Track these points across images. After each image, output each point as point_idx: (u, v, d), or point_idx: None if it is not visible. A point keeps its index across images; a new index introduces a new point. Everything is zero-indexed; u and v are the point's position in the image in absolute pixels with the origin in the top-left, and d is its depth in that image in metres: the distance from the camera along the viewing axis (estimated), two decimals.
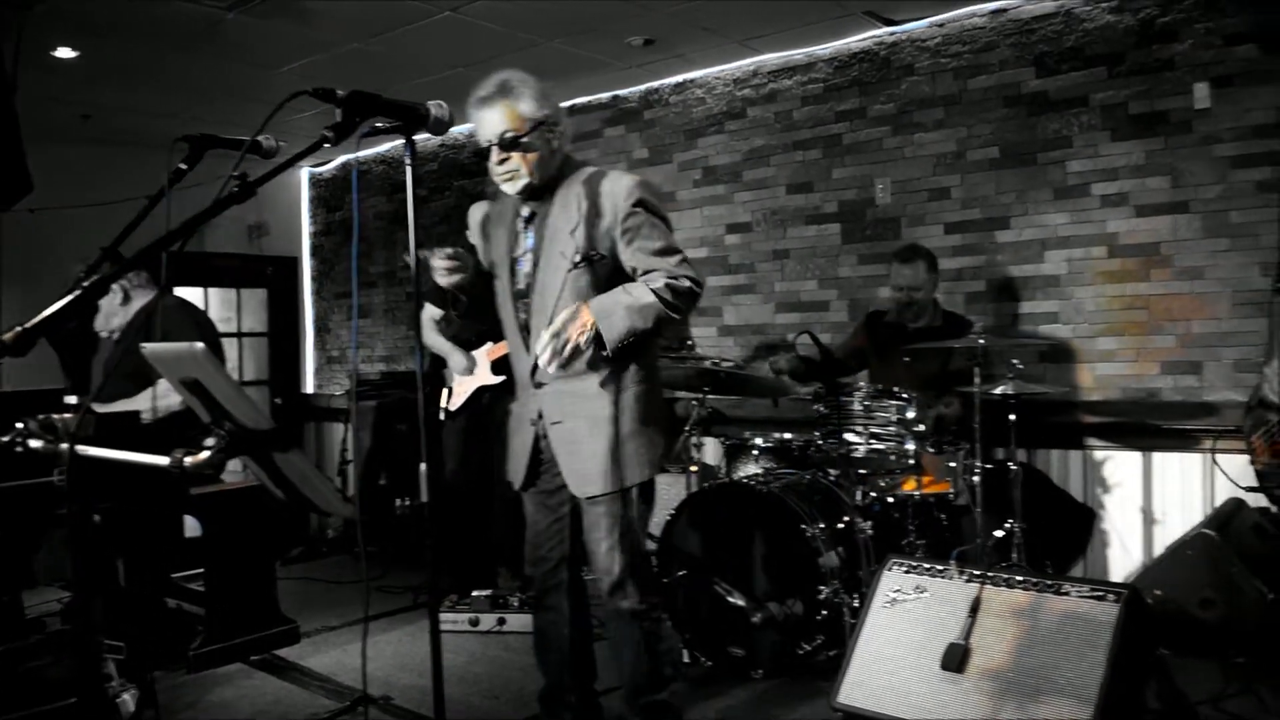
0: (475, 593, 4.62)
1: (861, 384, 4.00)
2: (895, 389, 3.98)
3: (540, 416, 2.89)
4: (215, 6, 4.65)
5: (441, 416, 4.90)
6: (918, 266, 4.56)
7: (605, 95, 6.39)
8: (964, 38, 5.15)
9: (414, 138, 2.04)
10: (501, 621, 4.44)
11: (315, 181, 8.23)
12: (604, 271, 2.79)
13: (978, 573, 3.06)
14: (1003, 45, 5.03)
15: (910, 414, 3.90)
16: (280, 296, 8.05)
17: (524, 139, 2.72)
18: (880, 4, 5.07)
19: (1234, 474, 4.30)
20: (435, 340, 4.97)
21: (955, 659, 2.90)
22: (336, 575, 5.79)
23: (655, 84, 6.18)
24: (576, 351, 2.61)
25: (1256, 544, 4.00)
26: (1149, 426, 4.66)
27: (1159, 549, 4.48)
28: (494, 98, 2.72)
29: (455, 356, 4.89)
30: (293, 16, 4.83)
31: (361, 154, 7.71)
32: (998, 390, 3.97)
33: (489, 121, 2.74)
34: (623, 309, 2.65)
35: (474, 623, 4.48)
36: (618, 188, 2.78)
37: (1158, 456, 4.67)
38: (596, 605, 3.01)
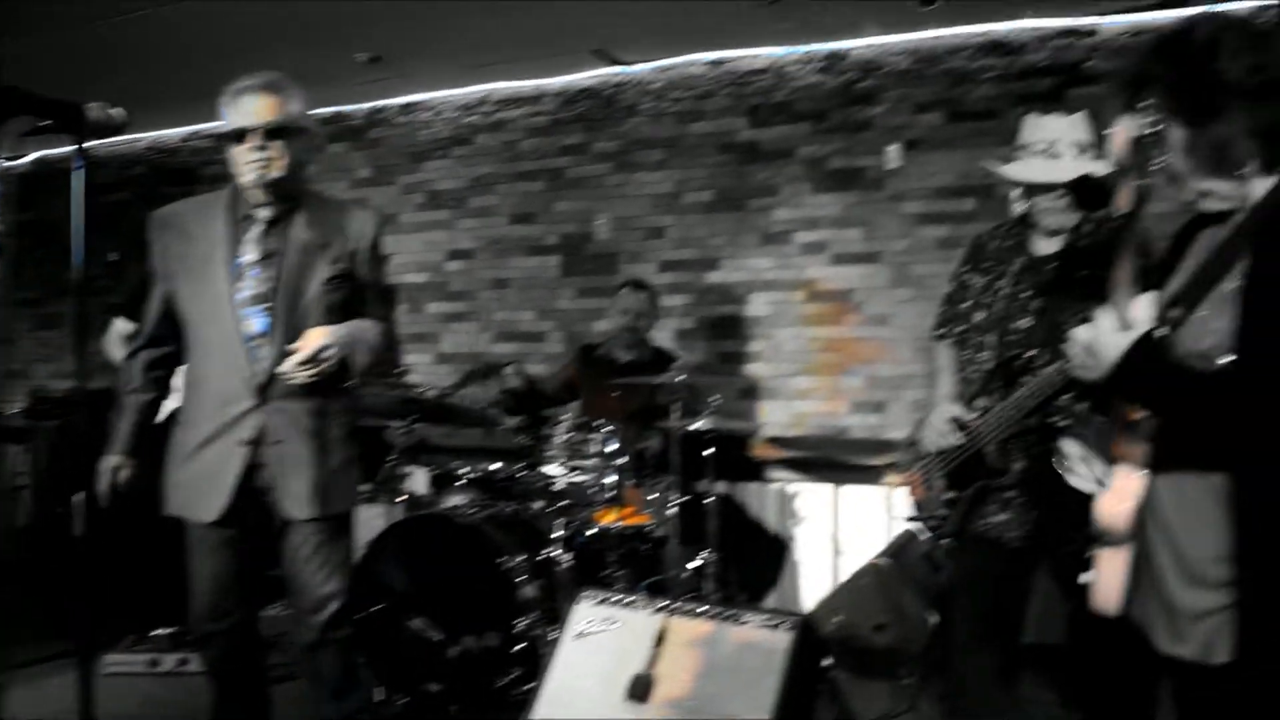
0: (156, 631, 4.29)
1: (565, 416, 4.03)
2: (597, 421, 4.03)
3: (255, 437, 2.73)
4: None
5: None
6: (643, 296, 4.69)
7: (328, 110, 6.17)
8: (685, 84, 5.34)
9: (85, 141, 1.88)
10: (184, 661, 4.14)
11: (3, 176, 7.49)
12: (346, 296, 2.78)
13: (663, 604, 3.12)
14: (720, 94, 5.26)
15: (612, 446, 3.95)
16: None
17: (289, 133, 2.69)
18: (608, 44, 5.19)
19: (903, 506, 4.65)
20: (120, 355, 4.61)
21: (640, 689, 2.94)
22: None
23: (381, 103, 6.05)
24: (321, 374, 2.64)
25: (926, 572, 4.31)
26: (837, 462, 4.95)
27: (845, 578, 4.75)
28: (266, 88, 2.69)
29: None
30: None
31: (61, 151, 7.09)
32: (696, 425, 4.10)
33: (256, 108, 2.67)
34: (368, 343, 2.74)
35: (153, 664, 4.16)
36: (366, 224, 2.84)
37: (845, 490, 4.97)
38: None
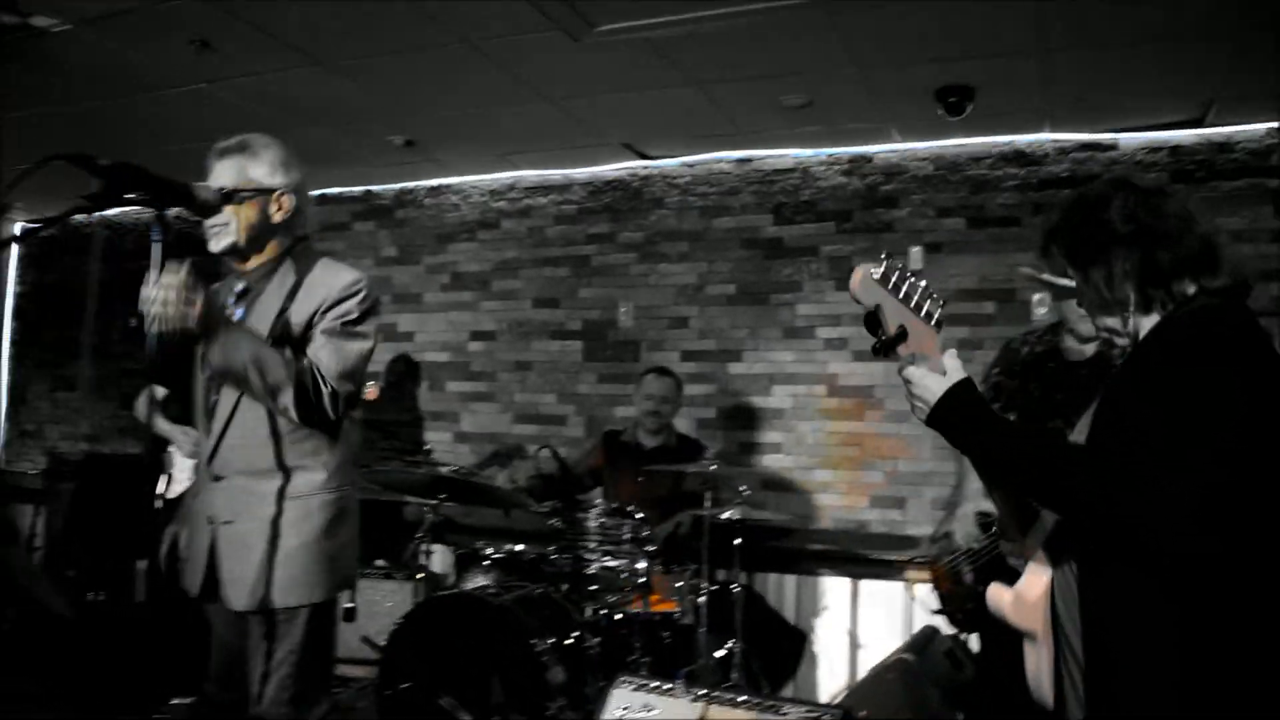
0: (174, 700, 4.23)
1: (598, 501, 4.06)
2: (629, 508, 4.06)
3: (212, 515, 2.59)
4: None
5: (159, 504, 4.54)
6: (669, 382, 4.76)
7: (358, 189, 6.30)
8: (711, 179, 5.49)
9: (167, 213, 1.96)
10: None
11: (28, 236, 7.56)
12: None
13: (703, 692, 3.13)
14: (745, 191, 5.41)
15: (643, 533, 3.98)
16: None
17: (242, 197, 2.53)
18: (636, 138, 5.34)
19: (926, 602, 4.67)
20: (155, 421, 4.64)
21: None
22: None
23: (411, 184, 6.17)
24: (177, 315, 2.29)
25: (948, 669, 4.32)
26: (857, 555, 4.98)
27: (863, 671, 4.74)
28: (230, 151, 2.59)
29: (179, 437, 4.57)
30: (29, 62, 4.51)
31: (82, 217, 7.19)
32: (726, 514, 4.13)
33: (217, 173, 2.57)
34: (250, 343, 2.45)
35: None
36: (336, 278, 2.63)
37: (864, 583, 4.99)
38: None
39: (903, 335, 1.72)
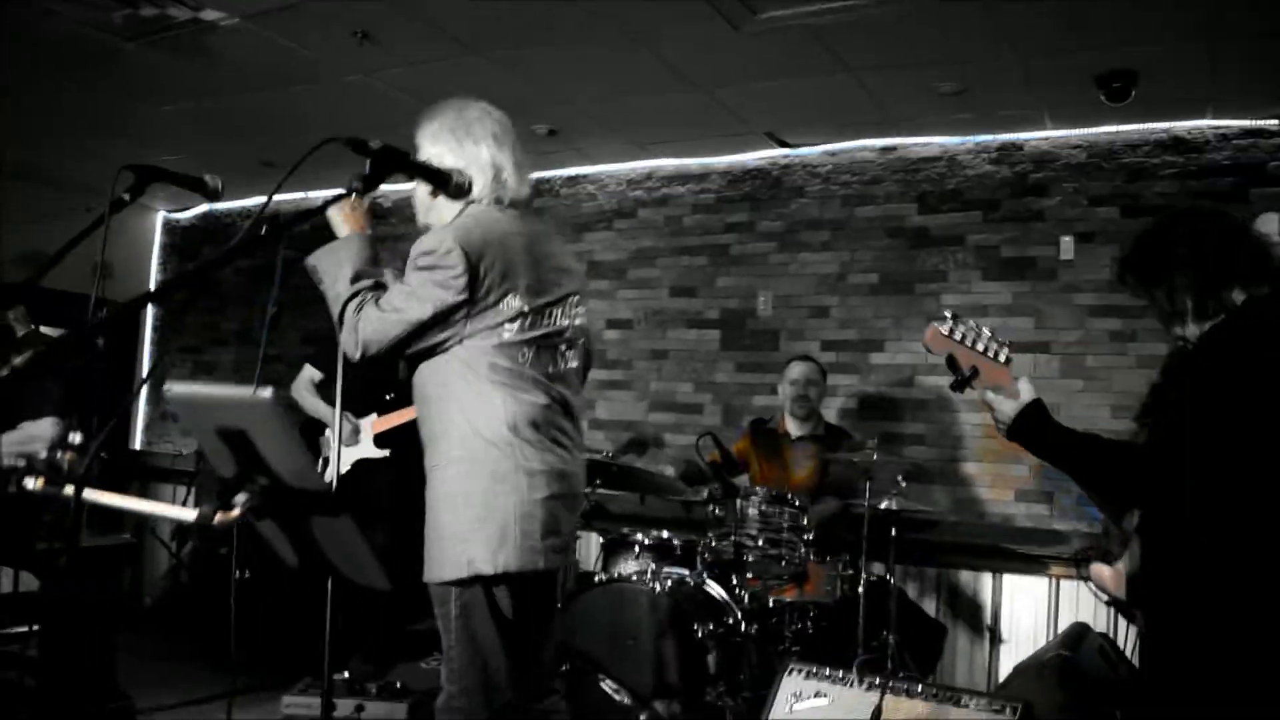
0: (334, 675, 4.38)
1: (758, 489, 4.07)
2: (789, 495, 4.06)
3: None
4: (115, 35, 4.47)
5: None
6: (814, 368, 4.75)
7: None
8: (854, 168, 5.45)
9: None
10: (360, 709, 4.21)
11: (170, 227, 7.86)
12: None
13: (877, 680, 3.13)
14: (889, 180, 5.35)
15: (803, 521, 3.98)
16: (114, 343, 7.56)
17: (410, 171, 2.44)
18: (779, 127, 5.33)
19: (1075, 600, 4.61)
20: (313, 404, 4.78)
21: None
22: (163, 648, 5.36)
23: (548, 174, 6.24)
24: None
25: (1102, 666, 4.23)
26: (1001, 550, 4.90)
27: (1005, 667, 4.68)
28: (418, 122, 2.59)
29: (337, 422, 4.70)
30: (194, 54, 4.68)
31: (223, 206, 7.44)
32: (883, 505, 4.11)
33: (423, 148, 2.56)
34: (333, 257, 2.48)
35: (329, 709, 4.23)
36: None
37: (1008, 578, 4.91)
38: None
39: (975, 374, 2.17)
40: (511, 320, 2.42)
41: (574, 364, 2.60)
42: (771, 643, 4.02)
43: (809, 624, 4.10)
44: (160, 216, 7.86)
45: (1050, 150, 5.04)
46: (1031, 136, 5.07)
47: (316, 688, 4.34)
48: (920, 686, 3.09)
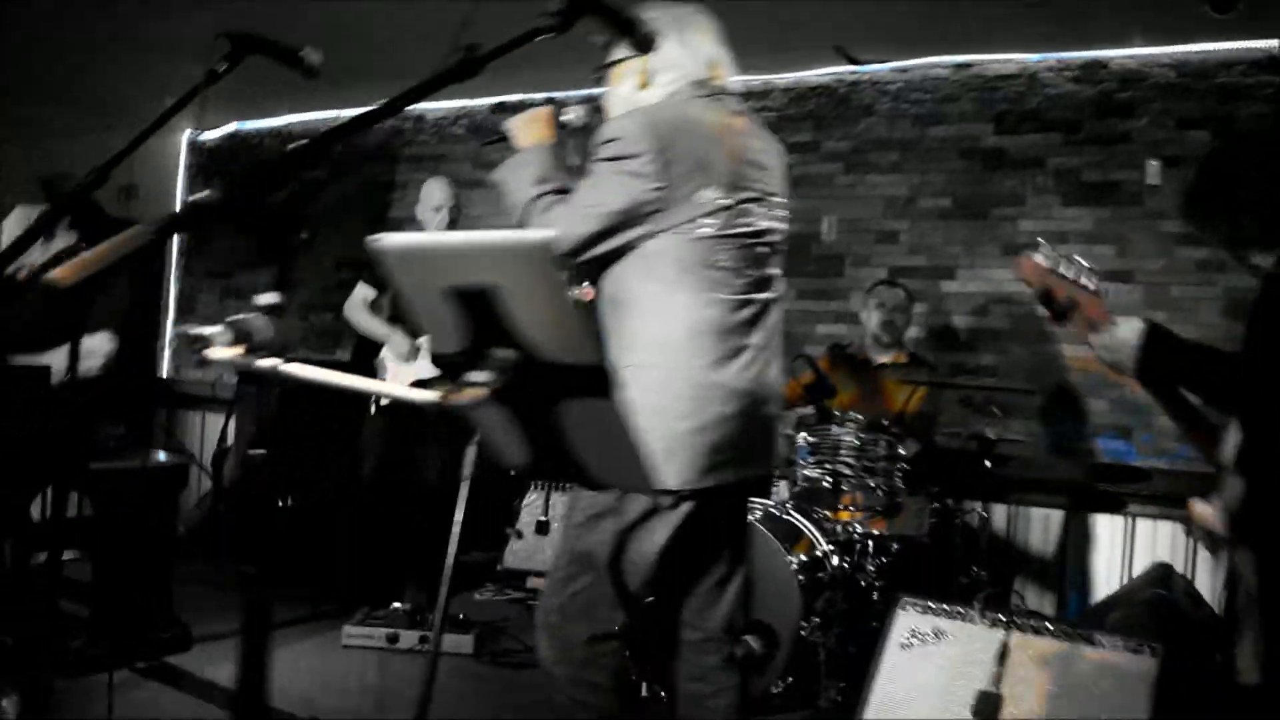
0: (394, 605, 4.21)
1: (856, 415, 3.85)
2: (886, 424, 3.86)
3: None
4: None
5: (372, 410, 4.47)
6: (900, 293, 4.54)
7: (539, 96, 6.10)
8: (925, 86, 5.18)
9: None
10: (424, 640, 4.04)
11: (196, 147, 7.52)
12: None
13: (1002, 617, 2.95)
14: (964, 99, 5.09)
15: (900, 450, 3.79)
16: (137, 267, 7.28)
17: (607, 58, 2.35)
18: (845, 42, 5.05)
19: (1153, 540, 4.48)
20: (368, 322, 4.55)
21: (988, 707, 2.78)
22: (209, 575, 5.16)
23: (599, 90, 5.93)
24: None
25: (1190, 607, 4.09)
26: (1076, 485, 4.72)
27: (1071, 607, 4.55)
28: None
29: (397, 339, 4.47)
30: None
31: (253, 125, 7.12)
32: (990, 434, 3.91)
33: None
34: (517, 168, 2.30)
35: (392, 639, 4.07)
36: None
37: (1082, 515, 4.75)
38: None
39: (1075, 306, 2.04)
40: (707, 215, 2.18)
41: (775, 270, 2.38)
42: (857, 576, 3.85)
43: (898, 557, 3.93)
44: (185, 137, 7.51)
45: (1138, 69, 4.79)
46: (1118, 54, 4.81)
47: (376, 618, 4.18)
48: (1049, 623, 2.92)
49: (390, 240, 1.46)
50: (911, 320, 4.67)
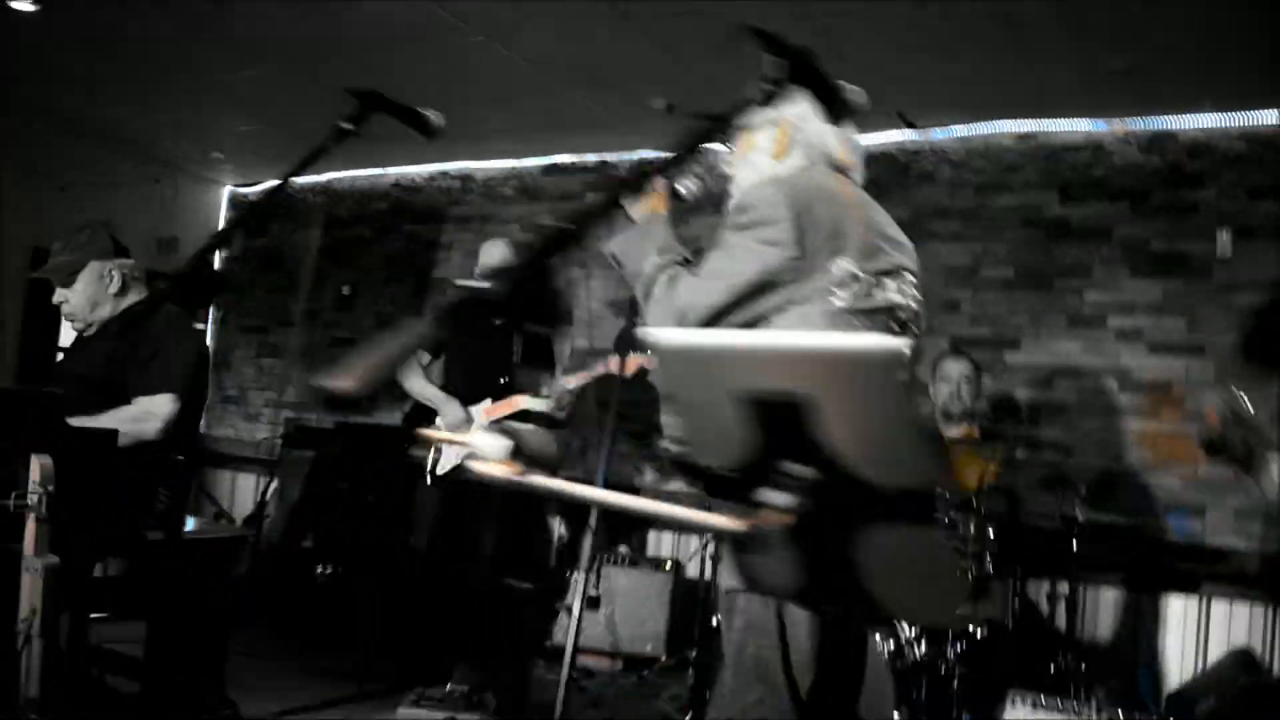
0: (451, 686, 4.04)
1: (943, 494, 3.70)
2: (975, 503, 3.71)
3: None
4: None
5: (429, 480, 4.33)
6: (968, 364, 4.36)
7: (593, 158, 6.04)
8: (988, 154, 5.13)
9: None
10: None
11: (237, 202, 7.47)
12: None
13: (1120, 713, 2.81)
14: (1028, 167, 5.03)
15: (987, 531, 3.64)
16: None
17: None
18: (909, 108, 5.00)
19: (1228, 624, 4.33)
20: (422, 388, 4.42)
21: None
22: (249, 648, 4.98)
23: (650, 154, 5.89)
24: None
25: None
26: (1150, 564, 4.58)
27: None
28: None
29: (450, 409, 4.34)
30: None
31: (298, 181, 7.08)
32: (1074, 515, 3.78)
33: None
34: (634, 239, 2.21)
35: None
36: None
37: (1155, 595, 4.60)
38: None
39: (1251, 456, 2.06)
40: (841, 286, 2.08)
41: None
42: (937, 662, 3.68)
43: (967, 645, 3.76)
44: (227, 190, 7.46)
45: (1205, 140, 4.72)
46: (1185, 125, 4.75)
47: (430, 699, 4.01)
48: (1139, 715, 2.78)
49: (670, 336, 1.34)
50: (980, 392, 4.54)
